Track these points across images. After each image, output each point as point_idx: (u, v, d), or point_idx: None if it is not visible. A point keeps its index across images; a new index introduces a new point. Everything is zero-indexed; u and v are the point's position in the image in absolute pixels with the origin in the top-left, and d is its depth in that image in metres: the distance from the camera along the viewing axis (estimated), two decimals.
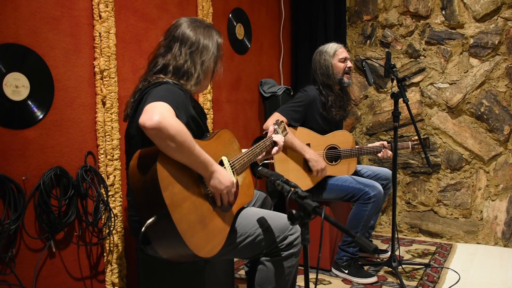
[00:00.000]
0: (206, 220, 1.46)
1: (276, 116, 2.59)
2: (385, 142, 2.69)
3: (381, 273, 2.62)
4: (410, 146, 2.66)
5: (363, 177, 2.74)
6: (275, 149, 1.92)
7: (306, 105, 2.63)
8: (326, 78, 2.67)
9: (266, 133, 2.05)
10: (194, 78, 1.63)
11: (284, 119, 2.57)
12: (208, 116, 2.73)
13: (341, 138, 2.71)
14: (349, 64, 2.69)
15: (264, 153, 1.90)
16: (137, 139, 1.55)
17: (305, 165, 2.62)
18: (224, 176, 1.49)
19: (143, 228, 1.31)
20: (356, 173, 2.78)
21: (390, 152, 2.65)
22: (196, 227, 1.40)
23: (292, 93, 3.32)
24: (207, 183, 1.49)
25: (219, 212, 1.54)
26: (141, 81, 1.65)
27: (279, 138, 1.94)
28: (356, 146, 2.70)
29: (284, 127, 2.12)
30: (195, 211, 1.42)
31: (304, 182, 2.61)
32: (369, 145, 2.73)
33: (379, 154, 2.67)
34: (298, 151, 2.56)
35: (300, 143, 2.56)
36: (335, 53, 2.68)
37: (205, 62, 1.66)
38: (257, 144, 1.85)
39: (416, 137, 2.62)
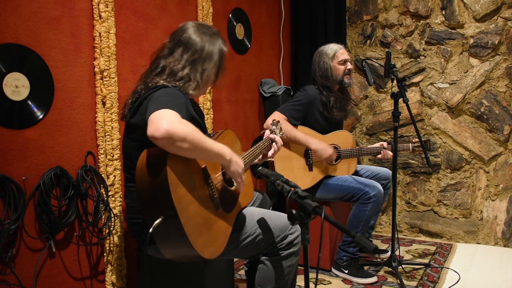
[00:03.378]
0: (210, 221, 1.46)
1: (277, 115, 2.59)
2: (385, 143, 2.68)
3: (381, 273, 2.62)
4: (410, 148, 2.66)
5: (363, 177, 2.74)
6: (270, 152, 1.91)
7: (307, 104, 2.64)
8: (325, 80, 2.67)
9: (263, 132, 2.05)
10: (193, 85, 1.63)
11: (285, 118, 2.58)
12: (208, 116, 2.73)
13: (342, 138, 2.71)
14: (349, 66, 2.68)
15: (260, 156, 1.90)
16: (136, 143, 1.55)
17: (306, 163, 2.63)
18: (238, 160, 1.53)
19: (151, 229, 1.31)
20: (356, 173, 2.78)
21: (390, 153, 2.65)
22: (201, 228, 1.40)
23: (292, 93, 3.32)
24: (227, 170, 1.52)
25: (222, 213, 1.55)
26: (141, 83, 1.64)
27: (277, 138, 1.93)
28: (356, 147, 2.70)
29: (281, 128, 2.12)
30: (201, 212, 1.42)
31: (304, 181, 2.61)
32: (369, 146, 2.73)
33: (379, 156, 2.67)
34: (303, 143, 2.56)
35: (303, 135, 2.56)
36: (334, 55, 2.67)
37: (206, 70, 1.66)
38: (257, 145, 1.85)
39: (417, 139, 2.62)
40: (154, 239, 1.40)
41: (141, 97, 1.55)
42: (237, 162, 1.51)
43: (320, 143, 2.56)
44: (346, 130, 2.82)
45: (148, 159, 1.37)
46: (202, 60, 1.64)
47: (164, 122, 1.28)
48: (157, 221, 1.31)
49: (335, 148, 2.68)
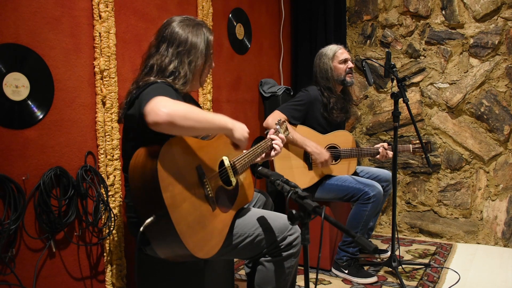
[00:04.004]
0: (205, 221, 1.46)
1: (277, 114, 2.59)
2: (385, 144, 2.68)
3: (381, 273, 2.62)
4: (411, 149, 2.65)
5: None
6: (273, 152, 1.90)
7: (307, 104, 2.64)
8: (326, 81, 2.67)
9: (268, 132, 2.04)
10: (181, 78, 1.61)
11: (284, 117, 2.58)
12: None
13: (342, 138, 2.71)
14: (350, 65, 2.69)
15: (263, 155, 1.89)
16: (132, 142, 1.56)
17: (306, 162, 2.63)
18: (241, 127, 1.58)
19: (141, 228, 1.31)
20: (356, 175, 2.78)
21: (390, 153, 2.65)
22: (195, 228, 1.40)
23: (292, 93, 3.32)
24: (233, 139, 1.57)
25: (219, 213, 1.54)
26: (133, 83, 1.65)
27: (278, 140, 1.92)
28: (356, 148, 2.70)
29: (286, 127, 2.11)
30: (194, 212, 1.41)
31: (304, 180, 2.61)
32: (369, 147, 2.73)
33: (378, 156, 2.67)
34: (300, 145, 2.56)
35: (301, 137, 2.56)
36: (334, 55, 2.68)
37: (193, 61, 1.64)
38: (258, 145, 1.84)
39: (418, 141, 2.61)
40: (148, 238, 1.40)
41: (132, 97, 1.56)
42: (241, 127, 1.56)
43: (317, 147, 2.56)
44: (346, 130, 2.82)
45: (140, 158, 1.37)
46: (187, 51, 1.63)
47: (161, 106, 1.30)
48: (148, 220, 1.31)
49: (335, 147, 2.68)
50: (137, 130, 1.53)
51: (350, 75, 2.69)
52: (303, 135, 2.61)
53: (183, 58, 1.63)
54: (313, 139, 2.62)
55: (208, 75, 2.70)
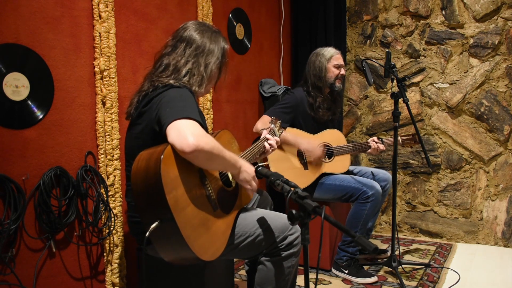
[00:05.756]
0: (208, 223, 1.46)
1: (266, 118, 2.60)
2: (375, 138, 2.69)
3: (381, 273, 2.62)
4: (400, 141, 2.65)
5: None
6: (267, 149, 1.90)
7: (294, 106, 2.66)
8: (317, 80, 2.68)
9: (263, 130, 2.04)
10: (197, 80, 1.63)
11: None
12: (208, 116, 2.73)
13: (332, 137, 2.72)
14: (342, 71, 2.71)
15: (260, 155, 1.89)
16: (139, 141, 1.55)
17: (301, 162, 2.63)
18: (248, 167, 1.60)
19: (147, 233, 1.31)
20: (355, 174, 2.78)
21: (382, 146, 2.64)
22: (199, 230, 1.40)
23: None
24: (236, 178, 1.60)
25: (221, 214, 1.54)
26: (147, 82, 1.64)
27: (273, 139, 1.93)
28: (348, 144, 2.70)
29: (280, 125, 2.12)
30: (198, 214, 1.41)
31: (301, 180, 2.60)
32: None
33: (370, 150, 2.66)
34: (292, 144, 2.57)
35: (293, 137, 2.57)
36: (331, 57, 2.70)
37: (209, 65, 1.67)
38: (254, 145, 1.84)
39: (406, 133, 2.64)
40: (152, 243, 1.40)
41: (148, 96, 1.55)
42: (246, 170, 1.58)
43: (309, 144, 2.57)
44: (335, 129, 2.80)
45: (142, 163, 1.36)
46: (205, 54, 1.66)
47: (191, 136, 1.32)
48: (154, 225, 1.30)
49: (327, 146, 2.68)
50: (145, 130, 1.53)
51: (339, 81, 2.72)
52: None
53: (199, 60, 1.65)
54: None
55: None
